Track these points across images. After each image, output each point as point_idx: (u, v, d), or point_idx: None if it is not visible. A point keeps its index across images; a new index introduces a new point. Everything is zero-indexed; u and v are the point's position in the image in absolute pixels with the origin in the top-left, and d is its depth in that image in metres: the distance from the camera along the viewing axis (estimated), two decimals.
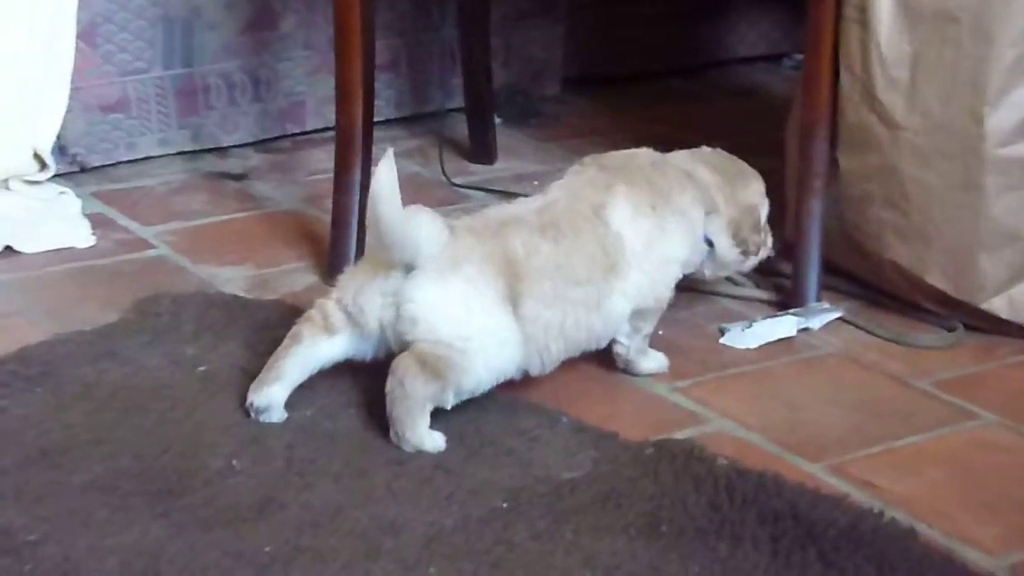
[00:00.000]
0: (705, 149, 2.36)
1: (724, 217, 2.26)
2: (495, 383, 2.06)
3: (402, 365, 1.98)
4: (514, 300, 2.04)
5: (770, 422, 2.12)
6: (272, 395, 2.03)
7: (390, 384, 1.99)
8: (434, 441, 1.98)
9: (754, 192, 2.32)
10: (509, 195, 2.91)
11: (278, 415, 2.04)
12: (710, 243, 2.27)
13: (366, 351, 2.06)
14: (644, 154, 2.27)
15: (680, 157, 2.30)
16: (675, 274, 2.22)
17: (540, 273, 2.07)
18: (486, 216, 2.16)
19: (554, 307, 2.08)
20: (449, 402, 2.01)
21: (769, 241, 2.35)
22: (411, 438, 1.97)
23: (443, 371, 1.98)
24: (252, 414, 2.04)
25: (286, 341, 2.06)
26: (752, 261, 2.33)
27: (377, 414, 2.03)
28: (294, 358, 2.04)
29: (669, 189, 2.21)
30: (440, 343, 1.99)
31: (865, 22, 2.34)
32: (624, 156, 2.26)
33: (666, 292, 2.21)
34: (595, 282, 2.12)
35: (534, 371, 2.10)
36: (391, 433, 1.99)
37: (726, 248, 2.28)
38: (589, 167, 2.25)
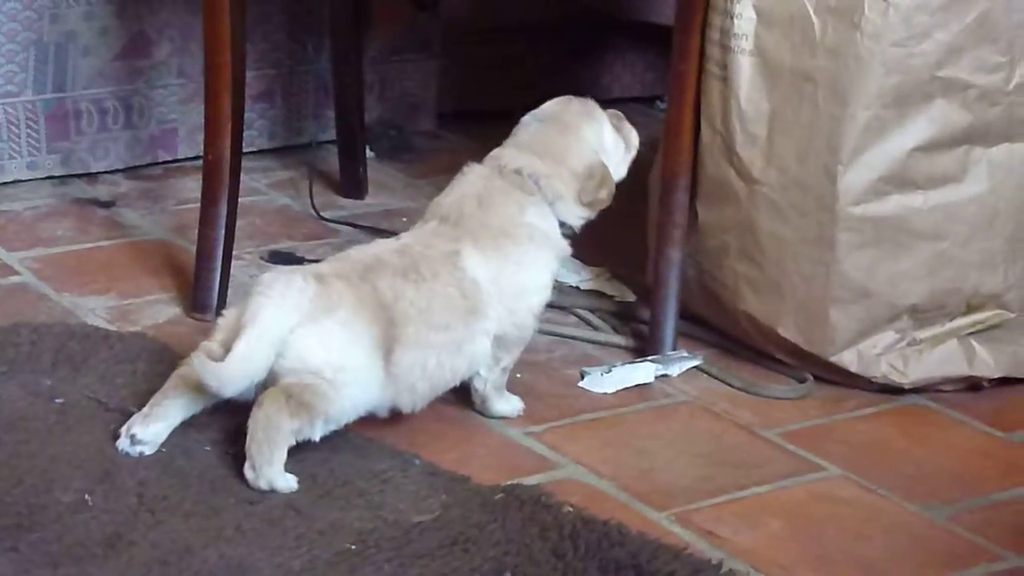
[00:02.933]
0: (530, 124, 2.39)
1: (568, 195, 2.28)
2: (359, 415, 2.09)
3: (269, 397, 2.00)
4: (387, 346, 2.08)
5: (620, 469, 2.16)
6: (156, 432, 2.06)
7: (255, 416, 2.00)
8: (286, 481, 2.00)
9: (586, 147, 2.33)
10: (377, 231, 2.95)
11: (151, 450, 2.05)
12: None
13: (248, 391, 2.06)
14: (471, 194, 2.27)
15: (509, 153, 2.32)
16: (539, 301, 2.26)
17: (406, 317, 2.10)
18: (350, 258, 2.18)
19: (418, 350, 2.12)
20: (317, 433, 2.04)
21: (633, 137, 2.39)
22: (267, 472, 1.99)
23: (310, 401, 2.00)
24: (128, 442, 2.05)
25: (174, 380, 2.07)
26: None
27: (232, 453, 2.05)
28: (181, 400, 2.07)
29: (505, 223, 2.23)
30: (308, 373, 2.02)
31: (726, 78, 2.40)
32: (456, 200, 2.27)
33: (529, 320, 2.24)
34: (456, 327, 2.16)
35: (405, 409, 2.15)
36: (246, 467, 2.00)
37: (578, 217, 2.31)
38: (430, 220, 2.27)
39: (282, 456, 2.01)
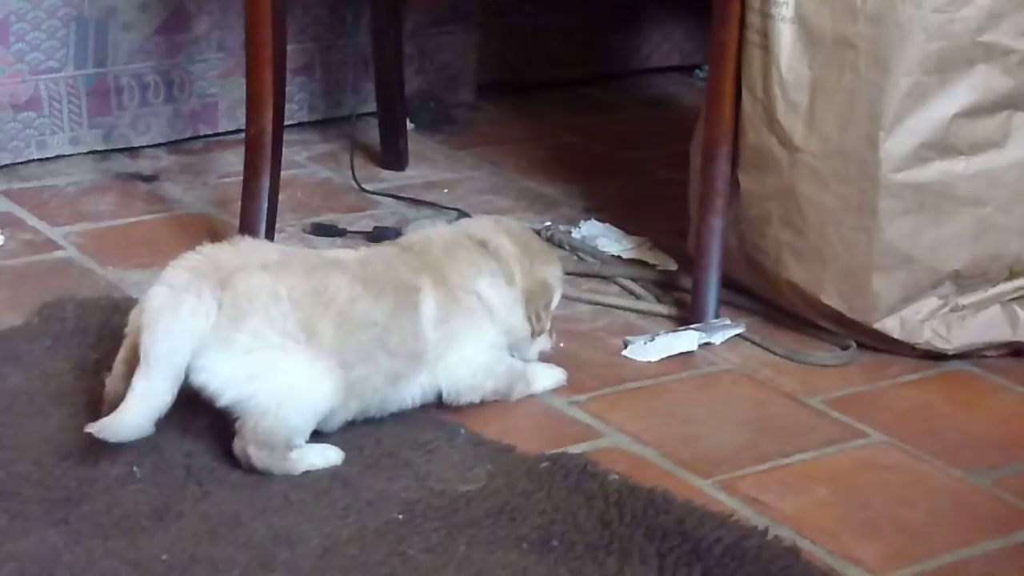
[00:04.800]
0: (512, 222, 2.35)
1: (519, 287, 2.22)
2: (325, 414, 2.02)
3: (238, 449, 1.96)
4: (311, 330, 1.98)
5: (664, 438, 2.16)
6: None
7: (240, 460, 1.97)
8: (327, 457, 2.01)
9: (552, 272, 2.29)
10: (419, 203, 2.96)
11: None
12: None
13: None
14: (439, 241, 2.21)
15: (481, 226, 2.27)
16: (468, 373, 2.18)
17: (362, 322, 2.03)
18: (309, 253, 2.14)
19: (365, 363, 2.04)
20: (299, 444, 1.99)
21: (553, 335, 2.31)
22: (293, 470, 1.99)
23: (271, 439, 1.95)
24: None
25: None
26: (536, 346, 2.28)
27: None
28: None
29: (460, 282, 2.17)
30: (253, 412, 1.95)
31: (767, 46, 2.39)
32: (423, 240, 2.21)
33: (465, 386, 2.18)
34: (401, 360, 2.09)
35: (325, 427, 2.04)
36: None
37: (519, 319, 2.24)
38: (391, 247, 2.21)
39: (291, 462, 1.98)
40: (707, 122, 2.50)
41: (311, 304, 1.98)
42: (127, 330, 2.01)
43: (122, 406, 1.88)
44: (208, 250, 2.01)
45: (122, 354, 2.01)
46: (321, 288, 2.00)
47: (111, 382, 2.00)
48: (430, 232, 2.25)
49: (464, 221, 2.34)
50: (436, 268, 2.16)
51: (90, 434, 2.00)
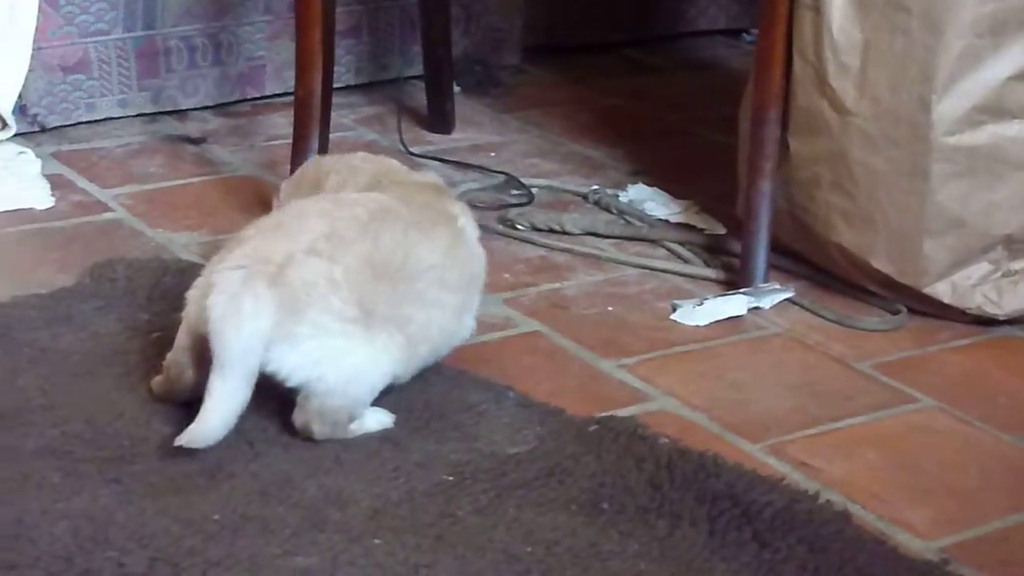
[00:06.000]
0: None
1: None
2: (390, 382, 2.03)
3: (301, 422, 1.96)
4: (370, 307, 1.96)
5: (713, 401, 2.16)
6: None
7: (299, 431, 1.97)
8: (380, 420, 2.01)
9: None
10: (466, 166, 2.95)
11: None
12: None
13: None
14: (405, 180, 2.23)
15: (399, 167, 2.28)
16: None
17: (420, 271, 2.02)
18: (355, 206, 2.04)
19: (426, 309, 2.03)
20: (361, 415, 1.99)
21: None
22: (350, 435, 1.99)
23: (336, 416, 1.96)
24: None
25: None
26: None
27: None
28: None
29: (460, 209, 2.20)
30: (319, 392, 1.95)
31: (818, 8, 2.37)
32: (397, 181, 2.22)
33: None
34: (462, 292, 2.10)
35: (398, 381, 2.05)
36: None
37: None
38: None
39: (351, 429, 1.99)
40: (757, 85, 2.49)
41: (369, 279, 1.96)
42: (185, 315, 1.99)
43: (204, 413, 1.88)
44: (252, 241, 1.97)
45: (183, 341, 1.98)
46: (376, 252, 1.98)
47: (176, 366, 2.00)
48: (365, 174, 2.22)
49: (355, 160, 2.28)
50: (443, 195, 2.19)
51: (143, 394, 2.03)
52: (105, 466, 1.89)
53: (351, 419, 1.98)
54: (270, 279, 1.90)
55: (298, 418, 1.97)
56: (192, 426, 1.89)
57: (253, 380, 1.90)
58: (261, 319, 1.89)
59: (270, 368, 1.92)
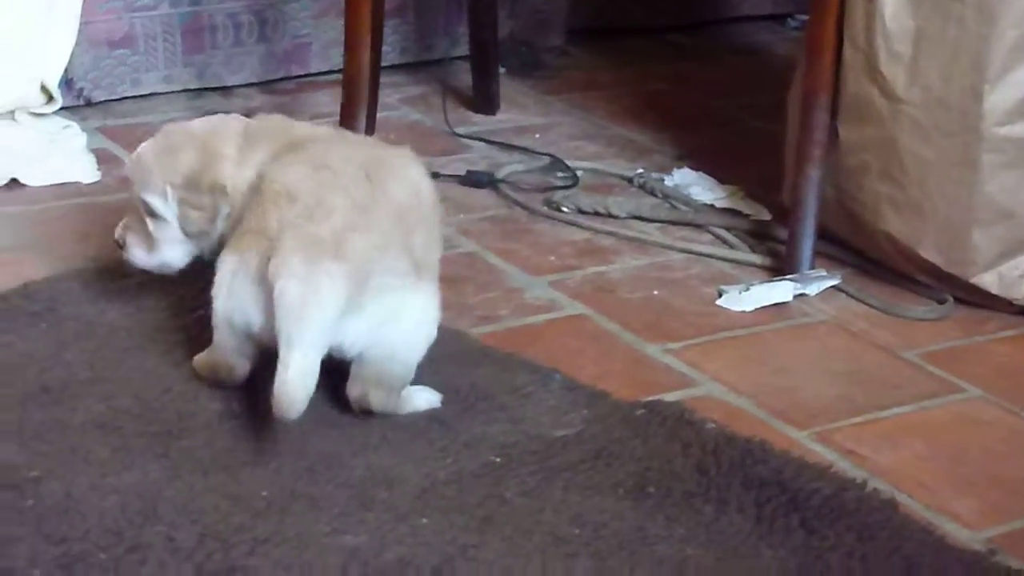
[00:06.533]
0: None
1: None
2: None
3: (357, 392, 1.97)
4: (419, 261, 1.98)
5: (759, 387, 2.16)
6: None
7: (355, 404, 1.98)
8: (427, 399, 2.01)
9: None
10: (511, 147, 2.95)
11: None
12: None
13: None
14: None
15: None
16: None
17: (429, 214, 2.04)
18: (368, 165, 2.00)
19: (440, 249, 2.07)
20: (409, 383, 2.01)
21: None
22: (402, 409, 1.99)
23: (393, 381, 1.97)
24: None
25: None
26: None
27: None
28: None
29: None
30: (378, 358, 1.96)
31: None
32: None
33: None
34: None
35: None
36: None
37: None
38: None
39: (403, 404, 2.00)
40: (806, 71, 2.48)
41: (404, 231, 1.97)
42: (219, 317, 1.96)
43: (286, 385, 1.84)
44: (296, 221, 1.93)
45: (228, 343, 1.98)
46: (396, 205, 1.97)
47: (224, 367, 2.00)
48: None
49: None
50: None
51: (189, 370, 2.03)
52: (153, 441, 1.89)
53: (404, 386, 1.98)
54: (333, 255, 1.89)
55: (353, 389, 1.97)
56: (278, 398, 1.84)
57: (322, 355, 1.89)
58: (339, 295, 1.89)
59: (335, 341, 1.92)
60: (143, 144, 2.12)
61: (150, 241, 2.10)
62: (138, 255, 2.13)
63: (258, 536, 1.70)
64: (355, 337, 1.93)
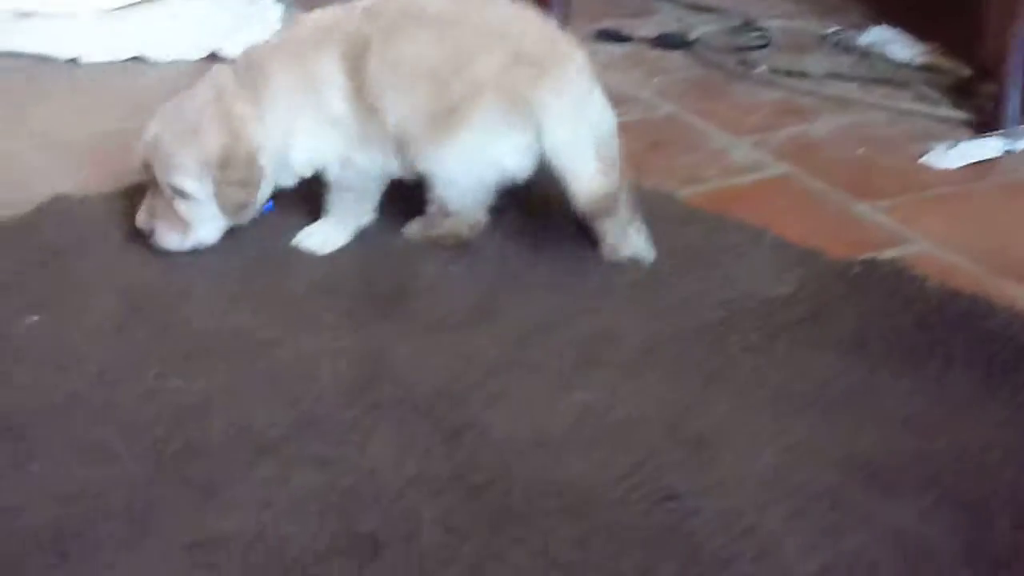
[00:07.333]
0: None
1: None
2: None
3: (600, 207, 2.00)
4: None
5: (972, 244, 2.13)
6: None
7: (609, 222, 2.01)
8: (649, 251, 2.03)
9: None
10: (702, 8, 2.92)
11: None
12: None
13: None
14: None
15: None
16: None
17: None
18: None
19: None
20: None
21: None
22: (626, 252, 2.02)
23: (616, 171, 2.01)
24: None
25: None
26: None
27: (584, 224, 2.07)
28: None
29: None
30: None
31: None
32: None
33: None
34: None
35: None
36: (603, 248, 2.03)
37: None
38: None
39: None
40: None
41: None
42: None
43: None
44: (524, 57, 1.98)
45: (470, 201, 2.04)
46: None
47: (458, 220, 2.04)
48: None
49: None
50: None
51: (404, 236, 2.05)
52: (377, 304, 1.93)
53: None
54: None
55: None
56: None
57: None
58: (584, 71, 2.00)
59: None
60: (151, 126, 2.01)
61: (182, 224, 2.02)
62: (171, 239, 2.03)
63: (491, 393, 1.73)
64: None
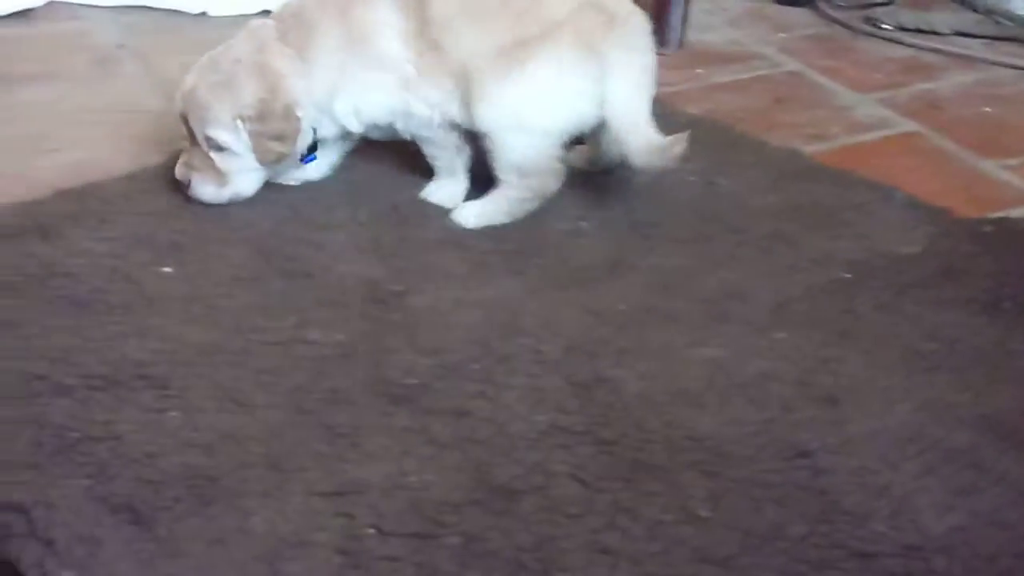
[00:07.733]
0: None
1: None
2: None
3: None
4: None
5: None
6: None
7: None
8: None
9: None
10: None
11: None
12: None
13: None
14: None
15: None
16: None
17: None
18: None
19: None
20: None
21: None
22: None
23: None
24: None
25: None
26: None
27: (717, 182, 2.08)
28: None
29: None
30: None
31: None
32: None
33: None
34: None
35: None
36: None
37: None
38: None
39: None
40: None
41: None
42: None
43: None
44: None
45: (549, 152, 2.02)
46: None
47: (544, 173, 2.03)
48: None
49: None
50: None
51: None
52: (508, 259, 1.94)
53: None
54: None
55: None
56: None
57: None
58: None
59: None
60: (188, 78, 2.02)
61: (219, 176, 2.04)
62: (208, 192, 2.04)
63: (622, 348, 1.74)
64: None
